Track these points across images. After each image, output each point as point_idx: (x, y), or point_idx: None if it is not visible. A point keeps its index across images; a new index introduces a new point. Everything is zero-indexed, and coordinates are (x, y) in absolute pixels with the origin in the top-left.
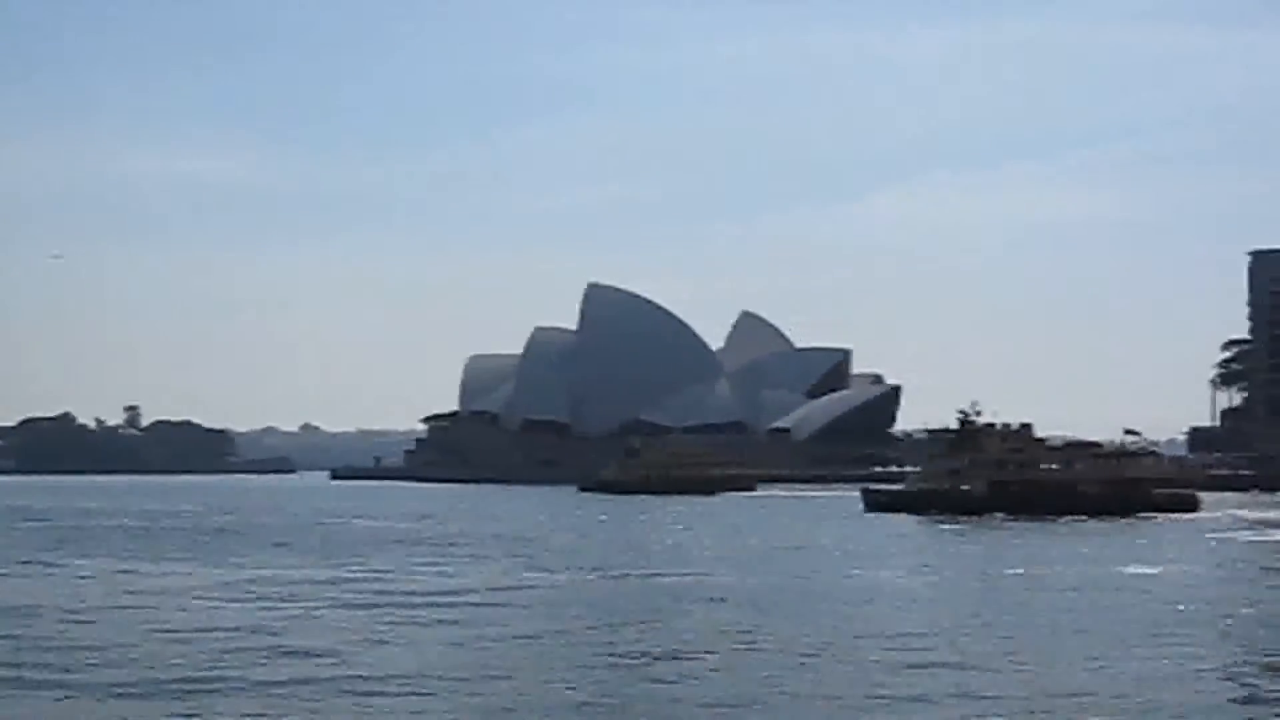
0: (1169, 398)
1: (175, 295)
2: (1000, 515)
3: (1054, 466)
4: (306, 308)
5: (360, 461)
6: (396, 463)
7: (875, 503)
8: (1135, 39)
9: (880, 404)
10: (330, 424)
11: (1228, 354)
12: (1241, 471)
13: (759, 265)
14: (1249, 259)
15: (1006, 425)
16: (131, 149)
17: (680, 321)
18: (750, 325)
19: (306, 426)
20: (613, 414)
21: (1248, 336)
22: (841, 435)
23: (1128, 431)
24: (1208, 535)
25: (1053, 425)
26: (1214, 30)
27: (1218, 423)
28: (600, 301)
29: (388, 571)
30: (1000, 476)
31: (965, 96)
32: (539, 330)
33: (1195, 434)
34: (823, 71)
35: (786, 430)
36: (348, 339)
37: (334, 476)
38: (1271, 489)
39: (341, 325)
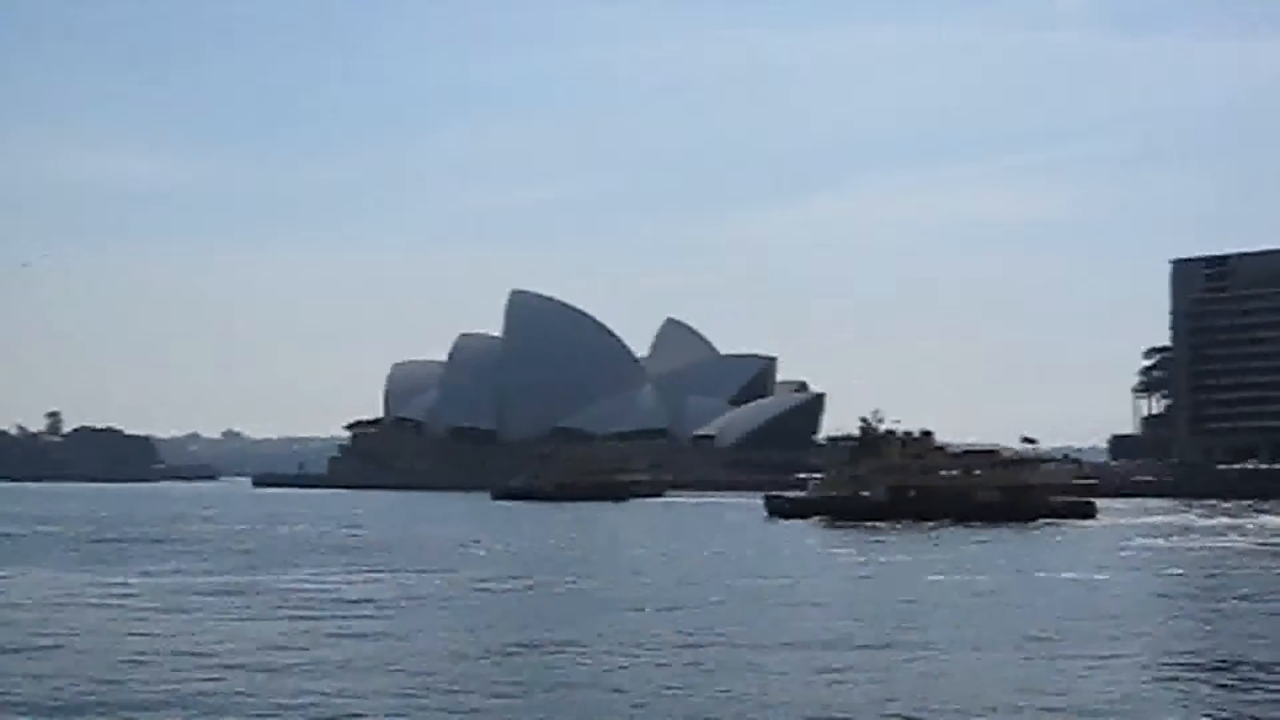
0: (1093, 405)
1: (98, 300)
2: (900, 522)
3: (953, 473)
4: (229, 314)
5: (284, 469)
6: (320, 470)
7: (778, 509)
8: (1066, 45)
9: (804, 411)
10: (254, 431)
11: (1149, 362)
12: (1163, 478)
13: (685, 270)
14: (1170, 267)
15: (908, 433)
16: (50, 151)
17: (605, 328)
18: (675, 332)
19: (229, 433)
20: (538, 421)
21: (1169, 344)
22: (765, 442)
23: (1025, 439)
24: (1104, 542)
25: (975, 432)
26: (1142, 38)
27: (1139, 430)
28: (524, 308)
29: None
30: (900, 483)
31: (896, 99)
32: (463, 337)
33: (1117, 441)
34: (754, 73)
35: (711, 437)
36: (272, 345)
37: (256, 484)
38: (1189, 496)
39: (265, 331)
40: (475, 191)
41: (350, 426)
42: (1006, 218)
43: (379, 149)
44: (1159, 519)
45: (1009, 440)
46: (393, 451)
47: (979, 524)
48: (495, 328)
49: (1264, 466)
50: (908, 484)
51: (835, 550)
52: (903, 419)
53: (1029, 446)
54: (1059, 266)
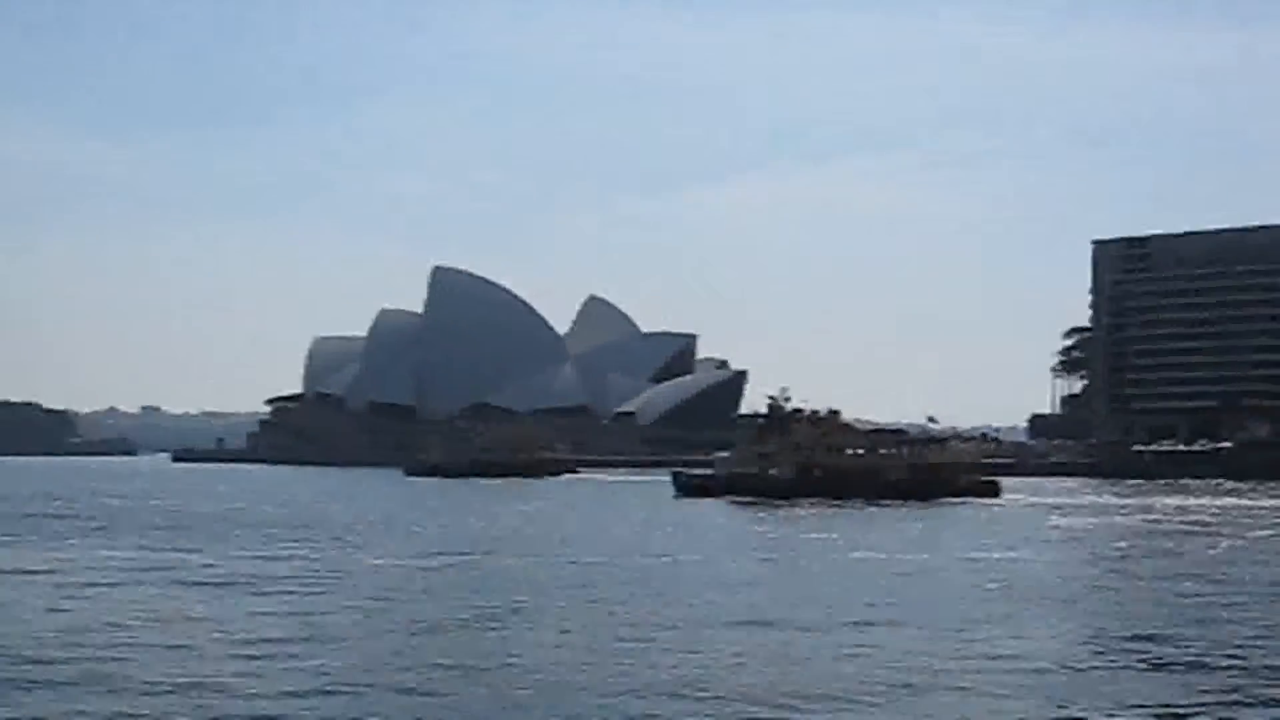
0: (1014, 385)
1: (16, 275)
2: (807, 500)
3: (860, 452)
4: (150, 288)
5: (204, 444)
6: (240, 445)
7: (686, 487)
8: (972, 35)
9: (725, 389)
10: (173, 405)
11: (1069, 342)
12: (1081, 459)
13: (606, 251)
14: (1092, 248)
15: (815, 412)
16: None
17: (526, 305)
18: (597, 309)
19: (148, 408)
20: (458, 397)
21: (1088, 325)
22: (686, 419)
23: (929, 419)
24: (1007, 520)
25: (896, 413)
26: (1053, 26)
27: (1059, 410)
28: (446, 285)
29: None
30: (807, 461)
31: (813, 87)
32: (384, 312)
33: (1036, 421)
34: (672, 60)
35: (632, 414)
36: (192, 319)
37: (175, 459)
38: (1108, 476)
39: (185, 307)
40: (397, 172)
41: (271, 401)
42: (927, 200)
43: (300, 127)
44: (1064, 499)
45: (949, 421)
46: (313, 427)
47: (885, 502)
48: (417, 305)
49: (1182, 447)
50: (815, 462)
51: (743, 527)
52: (815, 399)
53: (933, 426)
54: (980, 248)
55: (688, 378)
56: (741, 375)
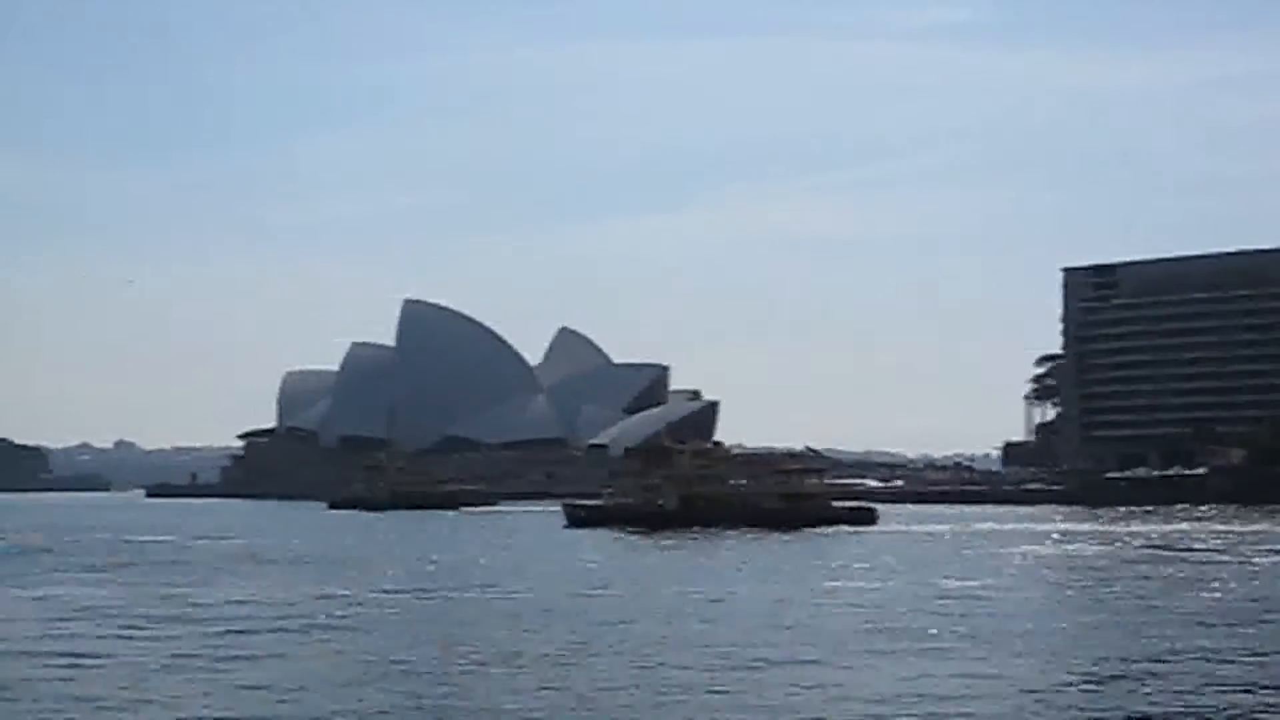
0: (988, 413)
1: None
2: (689, 529)
3: (741, 482)
4: (121, 321)
5: (177, 479)
6: (213, 480)
7: (575, 517)
8: (949, 55)
9: (698, 419)
10: (145, 441)
11: (1041, 370)
12: (1053, 486)
13: (571, 279)
14: (1061, 275)
15: (697, 443)
16: None
17: (498, 337)
18: (568, 341)
19: (121, 443)
20: (429, 430)
21: (1060, 352)
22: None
23: (808, 449)
24: (877, 546)
25: (869, 442)
26: (1025, 47)
27: (1031, 438)
28: (417, 318)
29: None
30: (690, 492)
31: (769, 108)
32: (356, 346)
33: (1009, 448)
34: (618, 83)
35: (605, 446)
36: (163, 354)
37: (150, 494)
38: (1079, 503)
39: (157, 340)
40: (361, 197)
41: (243, 436)
42: (896, 227)
43: (258, 154)
44: (943, 526)
45: (905, 448)
46: (285, 461)
47: (760, 530)
48: (388, 338)
49: (1155, 474)
50: (697, 492)
51: (613, 555)
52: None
53: (810, 454)
54: (951, 272)
55: (660, 408)
56: (714, 406)
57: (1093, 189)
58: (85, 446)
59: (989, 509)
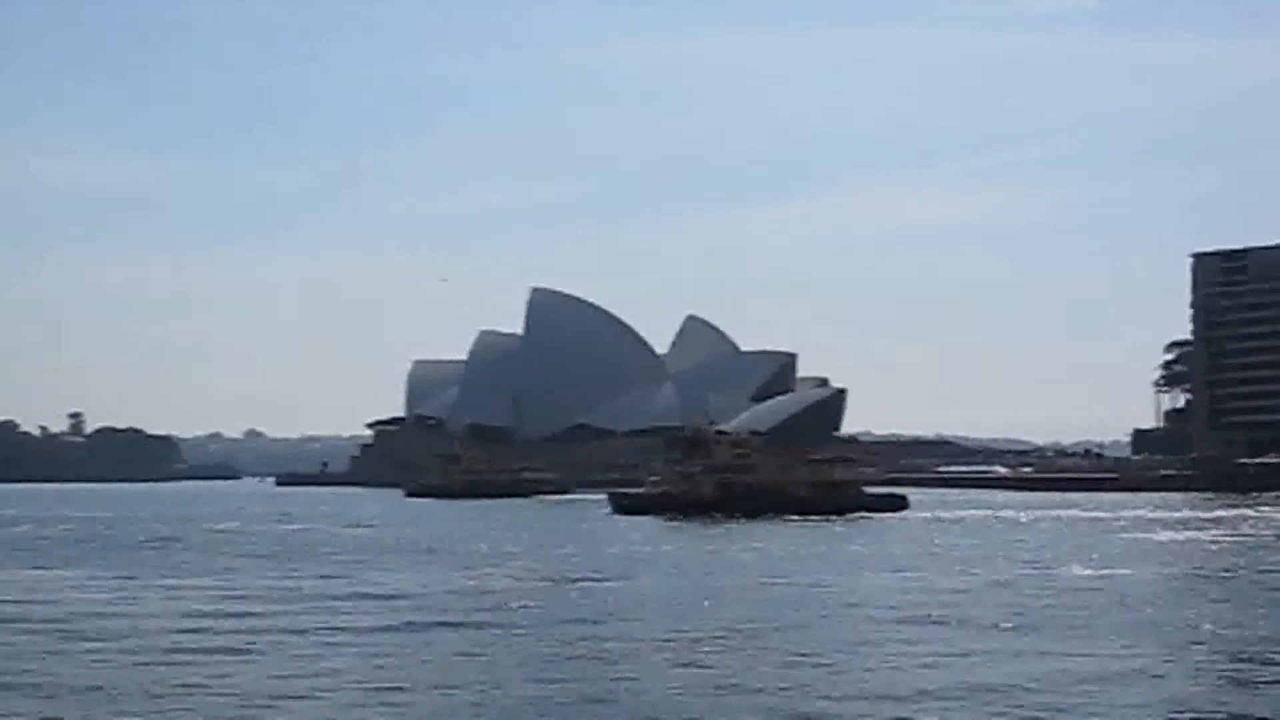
0: (1117, 400)
1: (121, 301)
2: (723, 515)
3: (774, 471)
4: (251, 313)
5: (305, 467)
6: (343, 469)
7: (619, 505)
8: (1080, 44)
9: (826, 407)
10: (274, 430)
11: (1170, 356)
12: (1183, 472)
13: (699, 267)
14: (1191, 261)
15: (723, 433)
16: (33, 158)
17: (625, 325)
18: (695, 329)
19: (250, 432)
20: (556, 418)
21: (1189, 338)
22: (786, 438)
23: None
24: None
25: (999, 428)
26: (1152, 36)
27: (1161, 424)
28: (544, 305)
29: None
30: (727, 480)
31: (894, 98)
32: (483, 334)
33: (1139, 436)
34: (741, 73)
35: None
36: (294, 344)
37: (280, 483)
38: (1209, 489)
39: (287, 331)
40: (486, 189)
41: (372, 425)
42: (1026, 215)
43: (381, 147)
44: (971, 512)
45: (1035, 436)
46: (413, 450)
47: (796, 517)
48: (515, 326)
49: None
50: (734, 481)
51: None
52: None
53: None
54: (1081, 264)
55: (788, 396)
56: (841, 393)
57: (1223, 175)
58: (215, 436)
59: (1112, 496)
